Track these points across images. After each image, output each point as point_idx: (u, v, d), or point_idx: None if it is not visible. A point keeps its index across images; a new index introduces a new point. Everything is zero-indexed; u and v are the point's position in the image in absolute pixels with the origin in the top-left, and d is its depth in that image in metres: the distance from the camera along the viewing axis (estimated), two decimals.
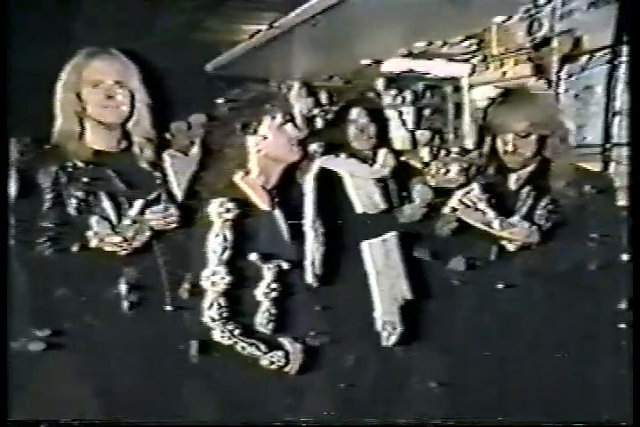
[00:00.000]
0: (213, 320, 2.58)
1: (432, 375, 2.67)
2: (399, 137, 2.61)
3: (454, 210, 2.63)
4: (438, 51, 2.56)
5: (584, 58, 2.57)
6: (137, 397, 2.62)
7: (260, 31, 2.54)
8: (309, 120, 2.58)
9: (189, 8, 2.52)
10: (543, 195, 2.65)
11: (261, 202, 2.59)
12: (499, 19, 2.53)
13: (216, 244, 2.57)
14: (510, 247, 2.65)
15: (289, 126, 2.57)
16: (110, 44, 2.51)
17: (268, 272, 2.59)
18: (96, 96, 2.53)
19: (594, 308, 2.66)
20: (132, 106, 2.53)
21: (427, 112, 2.61)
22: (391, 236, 2.63)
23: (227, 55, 2.54)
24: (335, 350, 2.65)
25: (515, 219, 2.65)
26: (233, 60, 2.55)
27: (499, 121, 2.62)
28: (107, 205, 2.56)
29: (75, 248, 2.55)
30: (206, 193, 2.58)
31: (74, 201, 2.54)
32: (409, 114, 2.60)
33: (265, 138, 2.57)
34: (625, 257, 2.63)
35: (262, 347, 2.60)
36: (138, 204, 2.56)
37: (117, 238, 2.55)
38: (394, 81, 2.59)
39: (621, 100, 2.58)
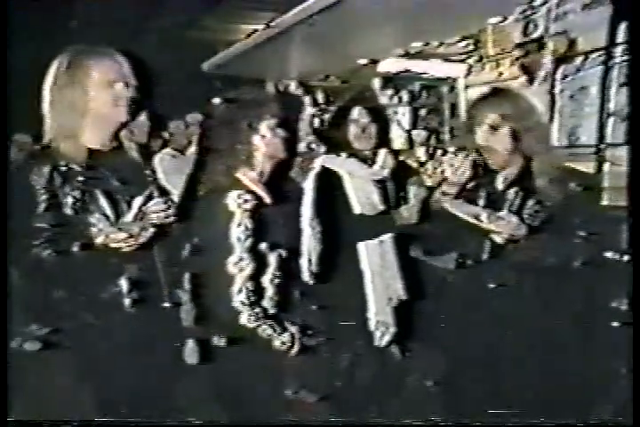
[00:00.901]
0: (243, 304, 2.61)
1: (428, 374, 2.69)
2: (397, 137, 2.62)
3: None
4: (435, 51, 2.58)
5: (579, 59, 2.59)
6: (137, 396, 2.62)
7: (256, 31, 2.54)
8: (309, 120, 2.59)
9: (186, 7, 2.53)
10: (530, 196, 2.66)
11: (266, 196, 2.60)
12: (494, 19, 2.55)
13: (239, 232, 2.60)
14: (498, 239, 2.66)
15: (283, 127, 2.58)
16: (106, 43, 2.51)
17: (273, 260, 2.63)
18: (105, 96, 2.53)
19: (585, 305, 2.68)
20: (133, 105, 2.54)
21: (423, 112, 2.63)
22: (388, 237, 2.64)
23: (223, 55, 2.54)
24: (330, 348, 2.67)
25: (502, 213, 2.66)
26: (230, 59, 2.55)
27: (480, 117, 2.64)
28: (103, 203, 2.56)
29: (75, 248, 2.55)
30: (203, 190, 2.59)
31: (70, 200, 2.54)
32: (405, 114, 2.61)
33: (263, 137, 2.58)
34: (609, 254, 2.65)
35: (277, 328, 2.64)
36: (138, 200, 2.57)
37: (123, 235, 2.56)
38: (390, 81, 2.61)
39: (616, 100, 2.60)
